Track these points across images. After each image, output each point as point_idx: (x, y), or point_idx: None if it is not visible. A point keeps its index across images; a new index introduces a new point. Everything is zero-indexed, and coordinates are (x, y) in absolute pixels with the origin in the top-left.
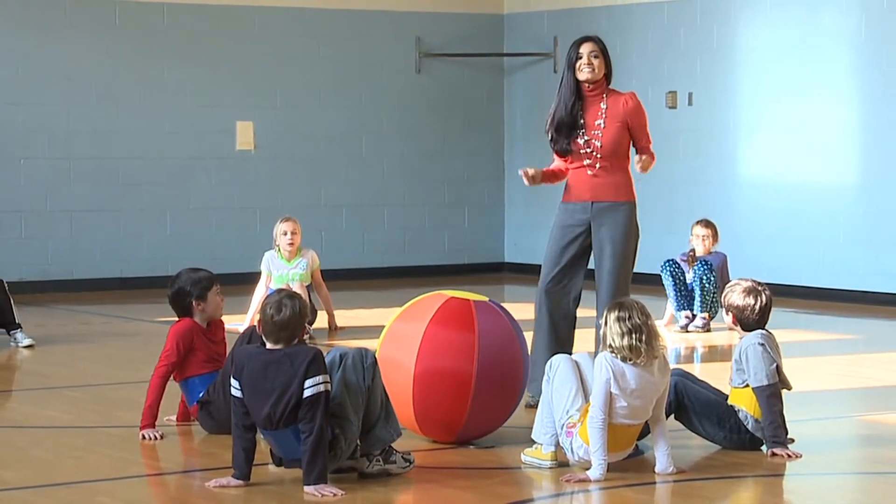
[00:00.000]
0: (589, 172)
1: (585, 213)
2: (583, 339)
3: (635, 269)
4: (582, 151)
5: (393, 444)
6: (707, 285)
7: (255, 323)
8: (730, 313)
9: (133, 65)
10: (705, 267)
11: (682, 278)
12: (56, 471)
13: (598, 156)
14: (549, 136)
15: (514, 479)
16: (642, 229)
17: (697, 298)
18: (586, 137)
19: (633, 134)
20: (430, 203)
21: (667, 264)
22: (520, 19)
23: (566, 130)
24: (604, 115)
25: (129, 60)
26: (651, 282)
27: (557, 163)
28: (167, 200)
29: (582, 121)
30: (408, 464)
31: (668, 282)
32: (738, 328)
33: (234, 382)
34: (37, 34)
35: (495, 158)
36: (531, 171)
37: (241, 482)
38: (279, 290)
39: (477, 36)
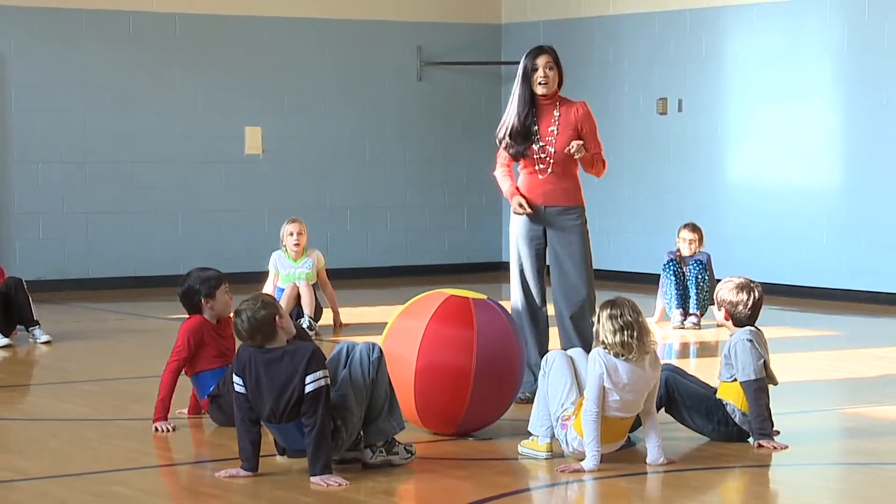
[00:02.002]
0: (540, 177)
1: (539, 219)
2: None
3: (626, 269)
4: (535, 157)
5: (396, 437)
6: (702, 284)
7: None
8: (722, 308)
9: (147, 72)
10: (700, 266)
11: (682, 278)
12: (72, 461)
13: (551, 161)
14: (503, 142)
15: (511, 470)
16: (633, 230)
17: (693, 297)
18: (541, 143)
19: (584, 140)
20: (431, 205)
21: (670, 264)
22: (517, 29)
23: (520, 139)
24: (557, 123)
25: (143, 68)
26: (640, 280)
27: (505, 170)
28: (179, 202)
29: (535, 127)
30: (410, 455)
31: (669, 280)
32: (730, 323)
33: (236, 379)
34: (55, 43)
35: (493, 162)
36: (525, 204)
37: (249, 473)
38: (243, 302)
39: (476, 45)
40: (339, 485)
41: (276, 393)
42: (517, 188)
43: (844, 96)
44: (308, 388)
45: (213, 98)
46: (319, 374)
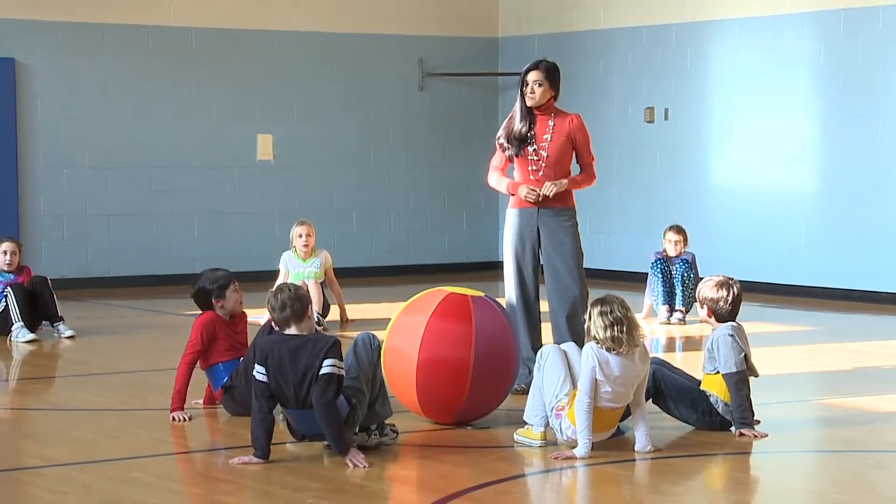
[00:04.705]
0: (532, 178)
1: (533, 220)
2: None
3: (616, 268)
4: (530, 158)
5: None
6: (687, 282)
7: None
8: (705, 306)
9: (164, 83)
10: (686, 265)
11: (669, 275)
12: (95, 449)
13: (544, 164)
14: (502, 144)
15: (507, 457)
16: (622, 232)
17: (679, 294)
18: (535, 146)
19: (577, 149)
20: (432, 208)
21: (657, 263)
22: (513, 42)
23: (517, 142)
24: (551, 131)
25: (161, 79)
26: (629, 278)
27: (499, 173)
28: (195, 205)
29: (532, 133)
30: (395, 434)
31: (656, 278)
32: (713, 320)
33: (259, 368)
34: (79, 56)
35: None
36: (535, 189)
37: (261, 460)
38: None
39: (474, 57)
40: (364, 466)
41: (299, 378)
42: (516, 182)
43: (821, 106)
44: (323, 371)
45: (226, 107)
46: (335, 361)
